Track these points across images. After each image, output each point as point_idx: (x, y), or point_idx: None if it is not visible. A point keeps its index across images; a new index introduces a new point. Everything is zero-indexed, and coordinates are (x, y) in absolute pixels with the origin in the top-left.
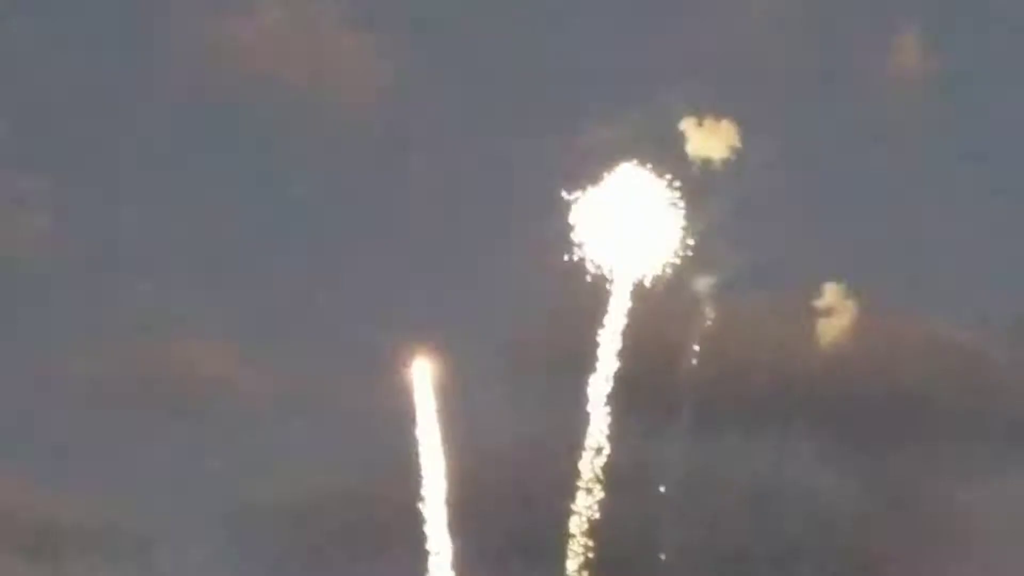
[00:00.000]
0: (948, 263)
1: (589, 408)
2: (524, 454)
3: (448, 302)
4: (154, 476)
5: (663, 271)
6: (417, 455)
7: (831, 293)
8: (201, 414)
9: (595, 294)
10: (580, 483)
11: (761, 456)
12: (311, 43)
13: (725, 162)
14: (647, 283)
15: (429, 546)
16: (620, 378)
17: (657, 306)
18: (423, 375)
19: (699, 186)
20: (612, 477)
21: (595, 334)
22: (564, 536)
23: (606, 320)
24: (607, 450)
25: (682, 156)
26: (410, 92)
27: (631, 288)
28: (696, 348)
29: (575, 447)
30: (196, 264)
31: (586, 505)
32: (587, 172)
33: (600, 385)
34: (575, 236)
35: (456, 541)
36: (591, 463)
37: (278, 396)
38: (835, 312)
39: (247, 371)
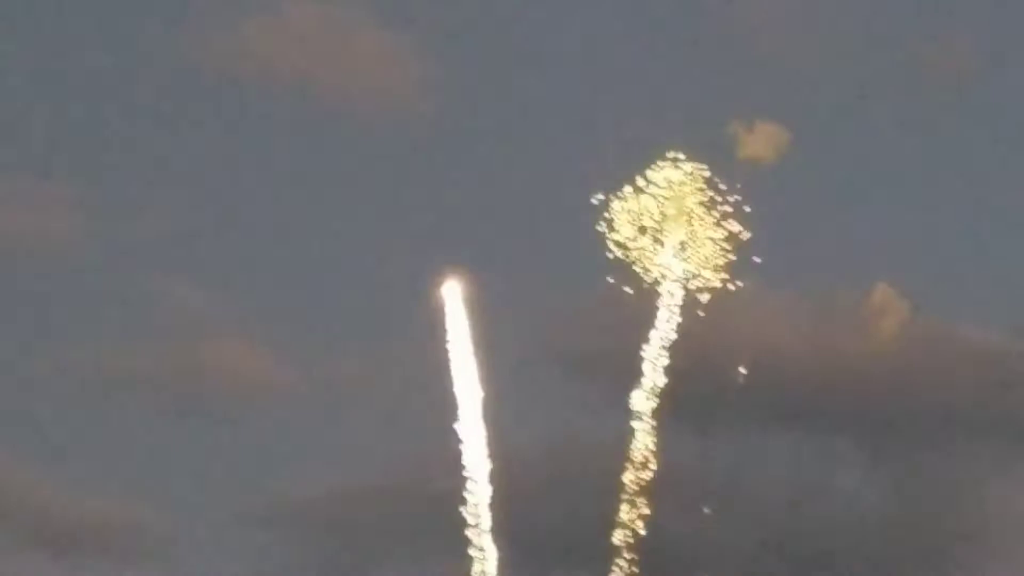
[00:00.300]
0: (991, 264)
1: (634, 407)
2: (568, 460)
3: (486, 302)
4: (182, 475)
5: (711, 275)
6: (456, 457)
7: (881, 293)
8: (231, 412)
9: (641, 297)
10: (625, 494)
11: (808, 460)
12: (344, 44)
13: (773, 164)
14: (694, 286)
15: (470, 550)
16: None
17: (705, 309)
18: (465, 372)
19: (747, 189)
20: (656, 487)
21: (641, 337)
22: (607, 546)
23: (656, 323)
24: (651, 459)
25: (729, 159)
26: (444, 92)
27: (680, 290)
28: (743, 354)
29: (619, 454)
30: (229, 263)
31: (630, 517)
32: (628, 173)
33: (645, 390)
34: (615, 237)
35: (498, 545)
36: (635, 473)
37: (310, 395)
38: (885, 313)
39: (279, 370)
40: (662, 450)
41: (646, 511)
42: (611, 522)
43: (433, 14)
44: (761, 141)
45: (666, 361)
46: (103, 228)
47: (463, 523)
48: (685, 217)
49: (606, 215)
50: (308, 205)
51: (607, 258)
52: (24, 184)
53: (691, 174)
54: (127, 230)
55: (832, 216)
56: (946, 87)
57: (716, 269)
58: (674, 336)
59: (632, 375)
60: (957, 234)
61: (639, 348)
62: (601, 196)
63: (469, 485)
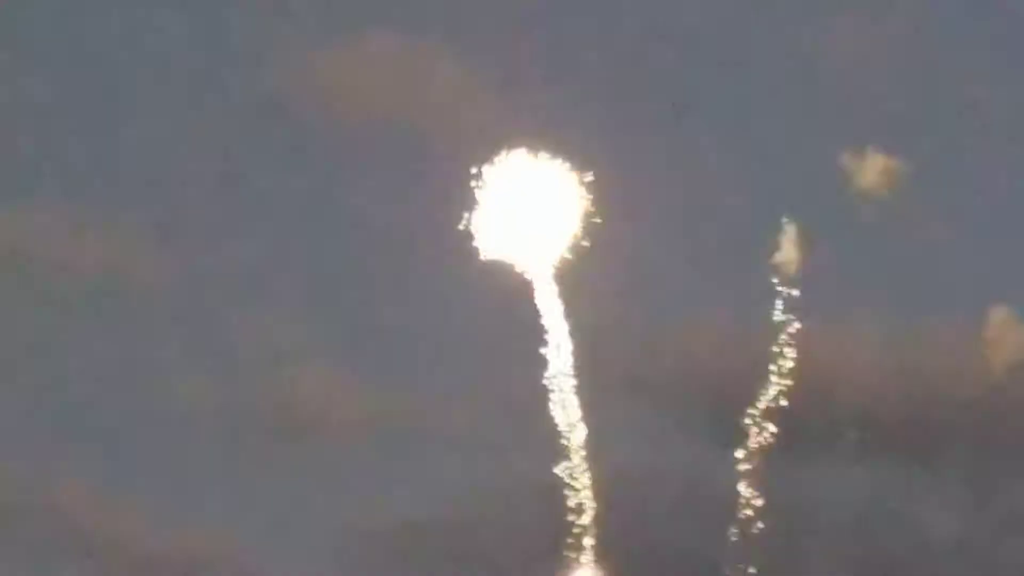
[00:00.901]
0: None
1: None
2: (671, 486)
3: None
4: (262, 505)
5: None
6: (542, 487)
7: (998, 317)
8: (308, 442)
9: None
10: (731, 531)
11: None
12: (423, 74)
13: (886, 194)
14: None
15: None
16: (775, 413)
17: (821, 339)
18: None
19: (858, 219)
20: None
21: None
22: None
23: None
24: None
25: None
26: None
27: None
28: (856, 383)
29: (725, 486)
30: (304, 294)
31: (737, 553)
32: None
33: (756, 420)
34: None
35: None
36: (742, 505)
37: (387, 422)
38: (1003, 338)
39: (355, 398)
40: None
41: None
42: (712, 552)
43: (512, 47)
44: (873, 173)
45: (775, 391)
46: (185, 260)
47: (547, 554)
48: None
49: None
50: (379, 233)
51: None
52: (108, 216)
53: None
54: (209, 261)
55: (940, 244)
56: None
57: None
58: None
59: (735, 404)
60: None
61: (746, 378)
62: None
63: (567, 508)
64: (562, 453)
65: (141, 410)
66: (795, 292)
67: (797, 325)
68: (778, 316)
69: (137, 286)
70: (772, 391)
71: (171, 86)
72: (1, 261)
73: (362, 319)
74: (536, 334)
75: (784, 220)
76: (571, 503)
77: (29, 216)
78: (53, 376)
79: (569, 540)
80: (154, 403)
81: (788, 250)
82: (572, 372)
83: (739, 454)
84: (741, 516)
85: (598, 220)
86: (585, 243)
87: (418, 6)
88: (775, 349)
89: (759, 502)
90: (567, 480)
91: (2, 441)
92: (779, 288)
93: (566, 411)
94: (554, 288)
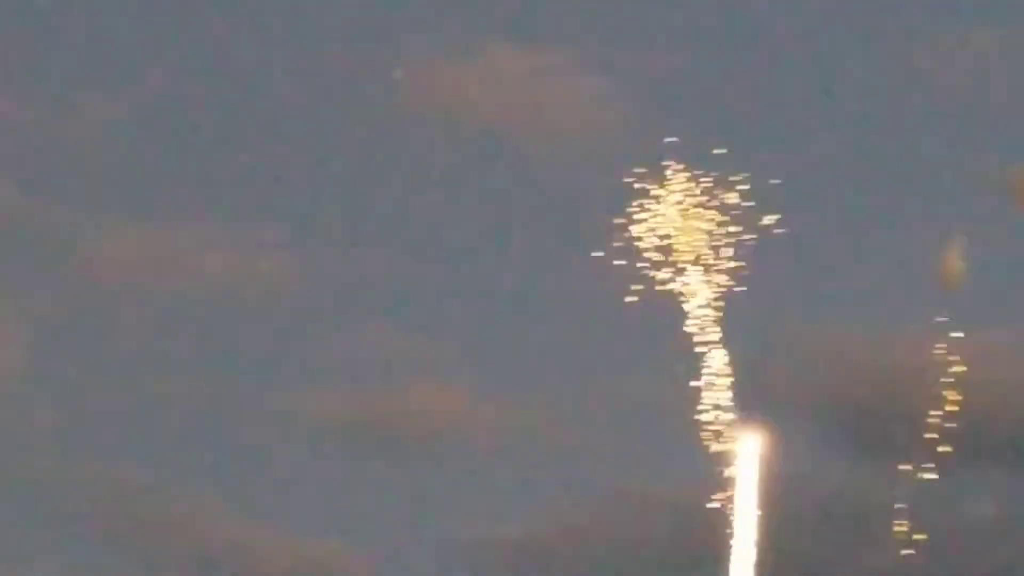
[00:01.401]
0: None
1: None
2: (827, 500)
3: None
4: (391, 519)
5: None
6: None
7: None
8: (435, 455)
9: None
10: (890, 547)
11: None
12: (544, 89)
13: None
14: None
15: None
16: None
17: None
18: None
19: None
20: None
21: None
22: None
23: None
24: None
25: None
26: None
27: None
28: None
29: (884, 500)
30: (431, 306)
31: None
32: None
33: (921, 433)
34: None
35: None
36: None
37: (516, 435)
38: None
39: (477, 410)
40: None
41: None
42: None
43: (637, 61)
44: None
45: (939, 403)
46: (306, 272)
47: (693, 569)
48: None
49: None
50: (508, 247)
51: None
52: (238, 227)
53: None
54: (329, 275)
55: None
56: None
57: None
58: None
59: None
60: None
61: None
62: None
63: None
64: (711, 466)
65: (268, 424)
66: (958, 301)
67: (961, 335)
68: (942, 326)
69: (267, 297)
70: (936, 403)
71: (296, 96)
72: (131, 274)
73: (496, 332)
74: (684, 342)
75: (948, 230)
76: (720, 517)
77: (158, 228)
78: (179, 390)
79: (716, 555)
80: (284, 417)
81: (952, 260)
82: (727, 384)
83: (901, 467)
84: (900, 531)
85: (749, 229)
86: (738, 251)
87: (544, 18)
88: (939, 360)
89: (918, 517)
90: (716, 495)
91: (129, 454)
92: (943, 297)
93: (719, 423)
94: (707, 298)
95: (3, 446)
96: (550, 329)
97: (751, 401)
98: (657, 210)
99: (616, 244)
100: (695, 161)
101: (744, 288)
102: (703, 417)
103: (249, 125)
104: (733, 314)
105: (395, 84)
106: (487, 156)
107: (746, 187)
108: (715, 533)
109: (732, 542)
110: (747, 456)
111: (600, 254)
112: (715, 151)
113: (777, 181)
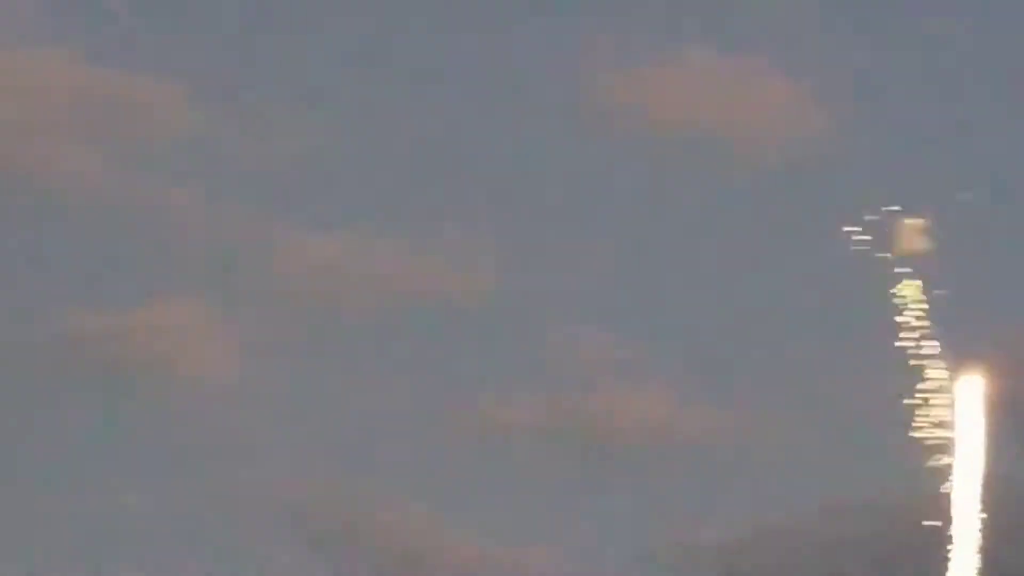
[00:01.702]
0: None
1: None
2: None
3: None
4: (595, 521)
5: None
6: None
7: None
8: (640, 459)
9: None
10: None
11: None
12: (744, 91)
13: None
14: None
15: None
16: None
17: None
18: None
19: None
20: None
21: None
22: None
23: None
24: None
25: None
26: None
27: None
28: None
29: None
30: (639, 310)
31: None
32: None
33: None
34: None
35: None
36: None
37: (720, 439)
38: None
39: (688, 414)
40: None
41: None
42: None
43: (839, 61)
44: None
45: None
46: (509, 276)
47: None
48: None
49: None
50: (710, 247)
51: None
52: (445, 234)
53: None
54: (533, 278)
55: None
56: None
57: None
58: None
59: None
60: None
61: None
62: None
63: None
64: (926, 468)
65: (477, 428)
66: None
67: None
68: None
69: (475, 305)
70: None
71: (503, 102)
72: (319, 280)
73: (703, 337)
74: (900, 355)
75: None
76: (936, 520)
77: (363, 238)
78: (372, 398)
79: (932, 559)
80: (485, 421)
81: None
82: (945, 383)
83: None
84: None
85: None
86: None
87: (739, 22)
88: None
89: None
90: (936, 496)
91: (331, 463)
92: None
93: (938, 424)
94: (919, 293)
95: (230, 453)
96: (759, 335)
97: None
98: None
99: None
100: None
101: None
102: (918, 433)
103: (456, 131)
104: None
105: (600, 89)
106: (689, 159)
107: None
108: (928, 549)
109: (949, 557)
110: (964, 469)
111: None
112: None
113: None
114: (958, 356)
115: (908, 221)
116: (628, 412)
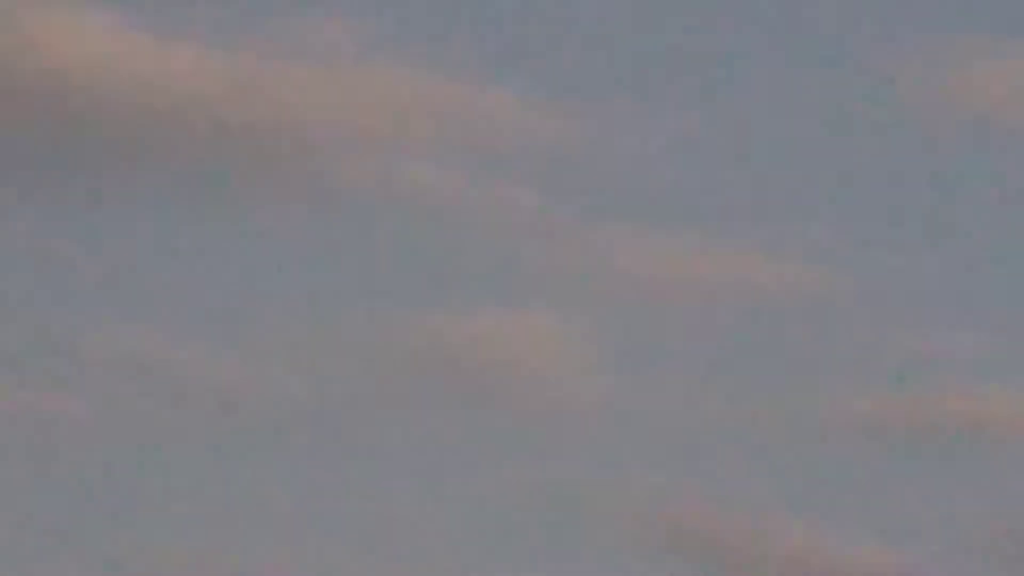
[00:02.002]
0: None
1: None
2: None
3: None
4: (923, 518)
5: None
6: None
7: None
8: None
9: None
10: None
11: None
12: None
13: None
14: None
15: None
16: None
17: None
18: None
19: None
20: None
21: None
22: None
23: None
24: None
25: None
26: None
27: None
28: None
29: None
30: (971, 305)
31: None
32: None
33: None
34: None
35: None
36: None
37: None
38: None
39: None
40: None
41: None
42: None
43: None
44: None
45: None
46: (842, 273)
47: None
48: None
49: None
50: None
51: None
52: (785, 233)
53: None
54: (866, 274)
55: None
56: None
57: None
58: None
59: None
60: None
61: None
62: None
63: None
64: None
65: (811, 424)
66: None
67: None
68: None
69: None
70: None
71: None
72: (658, 283)
73: None
74: None
75: None
76: None
77: (695, 241)
78: (751, 399)
79: None
80: (824, 417)
81: None
82: None
83: None
84: None
85: None
86: None
87: None
88: None
89: None
90: None
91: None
92: None
93: None
94: None
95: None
96: None
97: None
98: None
99: None
100: None
101: None
102: None
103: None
104: None
105: (933, 88)
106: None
107: None
108: None
109: None
110: None
111: None
112: None
113: None
114: None
115: None
116: (962, 412)
